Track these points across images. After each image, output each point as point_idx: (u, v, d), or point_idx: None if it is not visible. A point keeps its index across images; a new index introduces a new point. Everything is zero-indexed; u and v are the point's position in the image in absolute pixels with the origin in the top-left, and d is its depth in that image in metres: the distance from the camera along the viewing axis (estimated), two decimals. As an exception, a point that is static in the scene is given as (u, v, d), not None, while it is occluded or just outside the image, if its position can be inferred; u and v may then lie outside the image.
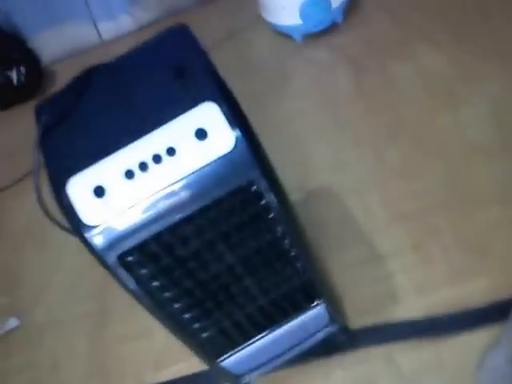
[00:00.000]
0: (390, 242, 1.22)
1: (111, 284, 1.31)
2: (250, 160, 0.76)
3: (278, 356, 1.05)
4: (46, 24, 2.15)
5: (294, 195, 0.94)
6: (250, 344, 1.00)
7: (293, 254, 0.90)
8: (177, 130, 0.74)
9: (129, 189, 0.74)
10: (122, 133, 0.76)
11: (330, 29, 1.77)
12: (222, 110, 0.74)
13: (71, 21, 2.17)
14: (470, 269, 1.15)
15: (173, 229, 0.77)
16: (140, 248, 0.77)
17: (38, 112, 0.84)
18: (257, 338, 1.00)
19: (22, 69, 2.03)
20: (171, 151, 0.74)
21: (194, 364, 1.10)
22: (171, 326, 0.91)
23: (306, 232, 0.94)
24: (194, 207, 0.76)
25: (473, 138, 1.34)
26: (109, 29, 2.23)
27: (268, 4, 1.79)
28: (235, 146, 0.74)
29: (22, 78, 2.04)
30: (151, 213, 0.74)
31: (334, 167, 1.42)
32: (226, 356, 0.99)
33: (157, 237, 0.77)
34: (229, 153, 0.74)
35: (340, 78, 1.64)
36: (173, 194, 0.74)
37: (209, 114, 0.74)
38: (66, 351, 1.34)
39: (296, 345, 1.06)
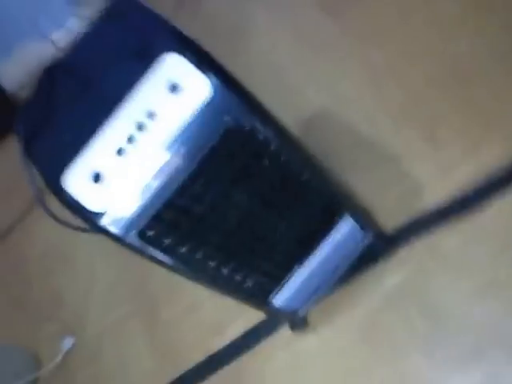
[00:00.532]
0: (399, 141, 1.21)
1: (146, 277, 1.35)
2: (231, 99, 0.74)
3: (324, 282, 1.06)
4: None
5: (294, 128, 0.92)
6: (293, 277, 1.01)
7: (305, 177, 0.89)
8: (149, 92, 0.73)
9: (125, 165, 0.73)
10: (98, 117, 0.75)
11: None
12: (188, 58, 0.73)
13: (23, 43, 2.14)
14: (480, 140, 1.14)
15: (181, 190, 0.76)
16: (156, 219, 0.77)
17: (16, 125, 0.83)
18: (297, 268, 1.00)
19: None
20: (151, 115, 0.73)
21: (250, 318, 1.11)
22: (215, 286, 0.92)
23: (313, 154, 0.93)
24: (194, 162, 0.75)
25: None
26: (62, 36, 2.18)
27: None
28: (212, 90, 0.73)
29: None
30: (155, 181, 0.74)
31: (321, 89, 1.39)
32: (274, 294, 0.99)
33: (169, 203, 0.76)
34: (208, 98, 0.73)
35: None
36: (169, 156, 0.73)
37: (175, 66, 0.72)
38: (128, 350, 1.36)
39: (338, 266, 1.06)
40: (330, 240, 1.01)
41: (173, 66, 0.73)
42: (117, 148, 0.73)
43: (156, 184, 0.74)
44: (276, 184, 0.87)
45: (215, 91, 0.73)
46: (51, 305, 1.55)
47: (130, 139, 0.73)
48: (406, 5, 1.33)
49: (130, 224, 0.75)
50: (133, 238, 0.77)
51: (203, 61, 0.74)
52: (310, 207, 0.94)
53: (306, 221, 0.95)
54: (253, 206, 0.86)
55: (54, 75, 0.85)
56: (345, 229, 1.02)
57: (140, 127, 0.73)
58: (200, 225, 0.82)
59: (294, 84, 1.35)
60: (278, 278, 0.99)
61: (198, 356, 1.25)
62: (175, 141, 0.73)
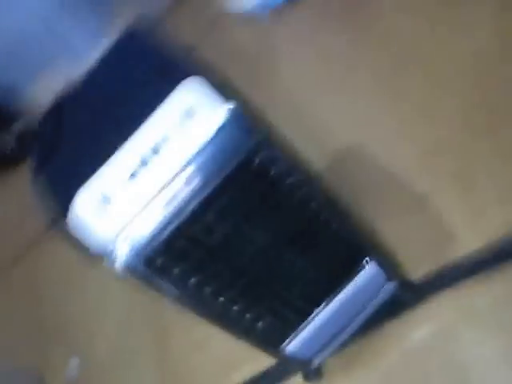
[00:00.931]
0: (430, 183, 1.14)
1: (159, 308, 1.31)
2: (249, 129, 0.72)
3: (343, 330, 1.00)
4: (30, 78, 2.13)
5: (318, 164, 0.89)
6: (310, 323, 0.95)
7: (324, 216, 0.85)
8: (166, 116, 0.71)
9: (136, 190, 0.71)
10: (112, 141, 0.73)
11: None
12: (207, 85, 0.71)
13: (56, 65, 2.16)
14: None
15: (193, 219, 0.74)
16: (165, 247, 0.74)
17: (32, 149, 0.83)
18: (314, 314, 0.94)
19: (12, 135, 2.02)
20: (166, 140, 0.71)
21: (261, 361, 1.05)
22: (224, 324, 0.87)
23: (336, 193, 0.89)
24: (207, 190, 0.72)
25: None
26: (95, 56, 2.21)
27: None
28: (230, 118, 0.70)
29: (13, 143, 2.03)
30: (166, 208, 0.72)
31: (347, 124, 1.35)
32: (288, 340, 0.94)
33: (178, 231, 0.74)
34: (225, 127, 0.71)
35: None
36: (180, 181, 0.71)
37: (194, 91, 0.71)
38: (136, 382, 1.32)
39: (358, 313, 1.00)
40: (351, 285, 0.95)
41: (191, 92, 0.71)
42: (129, 172, 0.71)
43: (167, 210, 0.72)
44: (294, 221, 0.83)
45: (233, 120, 0.71)
46: (60, 330, 1.53)
47: (143, 162, 0.71)
48: (439, 46, 1.29)
49: (137, 251, 0.72)
50: (140, 266, 0.74)
51: (223, 88, 0.72)
52: (332, 249, 0.90)
53: (326, 263, 0.91)
54: (268, 242, 0.82)
55: (70, 100, 0.85)
56: (368, 274, 0.96)
57: (155, 151, 0.71)
58: (211, 257, 0.79)
59: (318, 117, 1.32)
60: (292, 321, 0.93)
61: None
62: (188, 166, 0.71)
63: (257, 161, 0.73)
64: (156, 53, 0.80)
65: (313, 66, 1.49)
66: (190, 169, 0.71)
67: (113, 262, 0.73)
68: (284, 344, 0.94)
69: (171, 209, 0.72)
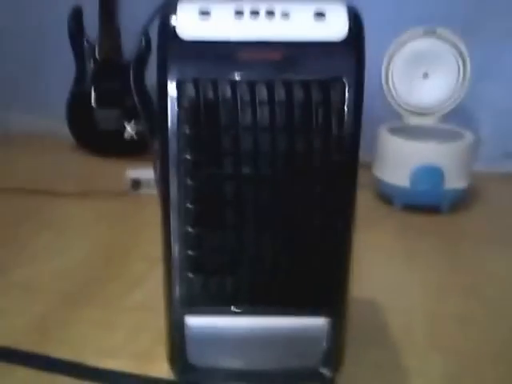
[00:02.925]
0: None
1: None
2: (350, 61, 0.74)
3: (250, 360, 0.85)
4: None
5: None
6: (231, 322, 0.83)
7: (336, 241, 0.80)
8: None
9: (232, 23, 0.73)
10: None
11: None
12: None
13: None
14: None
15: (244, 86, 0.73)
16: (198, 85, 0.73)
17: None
18: (243, 313, 0.83)
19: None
20: (285, 15, 0.75)
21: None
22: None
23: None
24: (276, 75, 0.73)
25: None
26: None
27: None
28: (345, 37, 0.73)
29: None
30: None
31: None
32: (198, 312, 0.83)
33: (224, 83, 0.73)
34: (335, 42, 0.74)
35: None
36: (266, 48, 0.73)
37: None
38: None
39: (277, 359, 0.85)
40: (294, 322, 0.84)
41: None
42: (237, 10, 0.73)
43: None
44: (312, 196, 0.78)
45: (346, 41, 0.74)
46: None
47: (253, 12, 0.73)
48: None
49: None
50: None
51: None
52: (310, 261, 0.81)
53: (298, 268, 0.82)
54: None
55: None
56: (315, 329, 0.84)
57: (269, 13, 0.74)
58: (221, 131, 0.76)
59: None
60: (218, 296, 0.82)
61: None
62: (283, 44, 0.73)
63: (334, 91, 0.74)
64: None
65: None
66: (280, 45, 0.73)
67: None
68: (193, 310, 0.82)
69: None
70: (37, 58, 2.61)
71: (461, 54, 1.89)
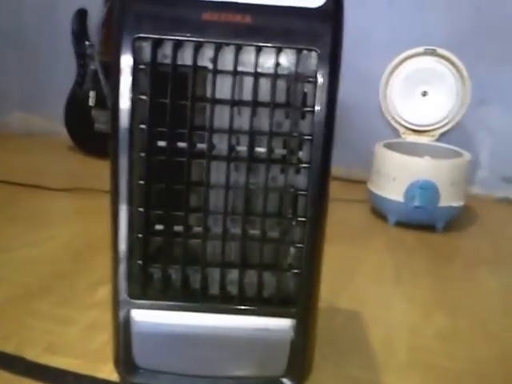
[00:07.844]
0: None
1: None
2: (326, 30, 0.66)
3: (202, 364, 0.76)
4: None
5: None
6: (182, 320, 0.74)
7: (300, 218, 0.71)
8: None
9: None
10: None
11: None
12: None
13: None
14: None
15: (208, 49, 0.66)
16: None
17: None
18: (196, 310, 0.74)
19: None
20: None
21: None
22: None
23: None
24: (244, 40, 0.66)
25: None
26: None
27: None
28: (322, 4, 0.66)
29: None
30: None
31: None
32: (146, 306, 0.73)
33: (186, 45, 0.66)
34: (310, 8, 0.66)
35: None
36: (234, 10, 0.65)
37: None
38: None
39: (234, 364, 0.76)
40: (256, 319, 0.74)
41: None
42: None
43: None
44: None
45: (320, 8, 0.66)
46: None
47: None
48: None
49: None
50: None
51: None
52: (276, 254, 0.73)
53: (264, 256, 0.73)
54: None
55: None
56: (278, 335, 0.75)
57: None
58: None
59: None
60: (171, 287, 0.73)
61: None
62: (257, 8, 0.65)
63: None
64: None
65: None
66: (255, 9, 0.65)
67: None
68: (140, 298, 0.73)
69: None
70: (37, 59, 2.60)
71: (461, 75, 1.82)
